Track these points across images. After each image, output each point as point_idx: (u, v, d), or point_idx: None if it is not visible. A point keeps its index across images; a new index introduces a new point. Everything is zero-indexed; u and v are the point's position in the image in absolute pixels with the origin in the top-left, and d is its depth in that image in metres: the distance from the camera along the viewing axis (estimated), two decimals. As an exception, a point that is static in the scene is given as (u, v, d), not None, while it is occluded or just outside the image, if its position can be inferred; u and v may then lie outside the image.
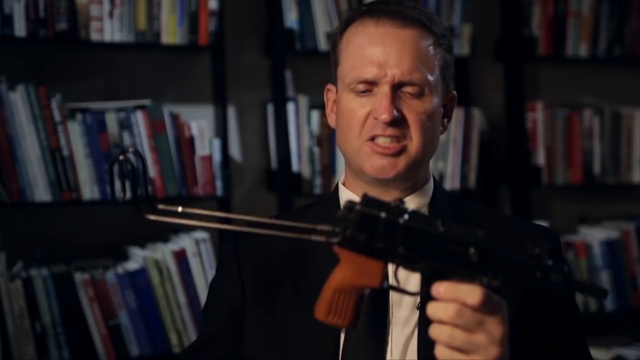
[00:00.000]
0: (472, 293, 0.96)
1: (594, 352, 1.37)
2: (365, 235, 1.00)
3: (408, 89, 1.28)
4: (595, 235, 3.03)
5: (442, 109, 1.34)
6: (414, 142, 1.28)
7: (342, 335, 1.26)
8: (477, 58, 2.97)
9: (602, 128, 3.09)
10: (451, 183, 2.81)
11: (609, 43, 3.08)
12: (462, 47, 2.87)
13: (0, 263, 2.32)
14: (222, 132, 2.61)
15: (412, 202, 1.34)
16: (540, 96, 3.10)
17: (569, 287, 0.99)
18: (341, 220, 1.02)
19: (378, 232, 1.00)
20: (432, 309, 0.98)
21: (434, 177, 1.40)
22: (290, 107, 2.68)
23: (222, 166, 2.56)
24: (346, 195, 1.37)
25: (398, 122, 1.27)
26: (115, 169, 1.12)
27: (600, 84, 3.23)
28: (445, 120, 1.37)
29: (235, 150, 2.77)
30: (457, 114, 2.84)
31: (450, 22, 2.85)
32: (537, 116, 2.99)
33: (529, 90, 3.07)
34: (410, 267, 1.02)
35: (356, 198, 1.34)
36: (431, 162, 2.91)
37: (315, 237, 1.05)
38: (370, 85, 1.28)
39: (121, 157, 1.07)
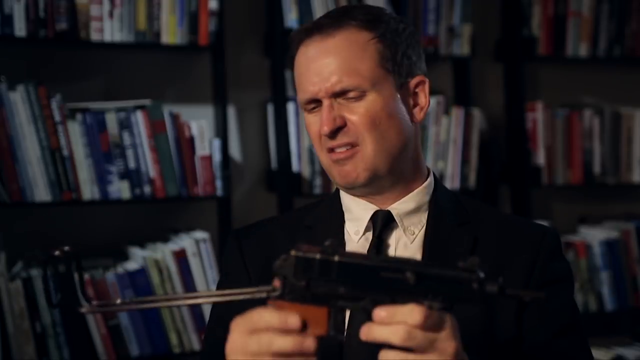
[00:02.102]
0: (411, 313, 0.95)
1: (594, 352, 1.36)
2: (304, 280, 1.00)
3: (348, 95, 1.29)
4: (595, 235, 3.03)
5: (405, 99, 1.32)
6: (367, 144, 1.28)
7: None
8: (477, 58, 2.97)
9: (602, 128, 3.09)
10: (451, 183, 2.81)
11: (609, 43, 3.08)
12: (462, 47, 2.87)
13: (0, 263, 2.32)
14: (222, 132, 2.61)
15: (412, 202, 1.33)
16: (540, 96, 3.10)
17: (504, 296, 0.98)
18: (278, 269, 1.01)
19: (315, 274, 1.00)
20: (381, 333, 0.96)
21: (435, 175, 1.39)
22: (290, 107, 2.68)
23: (222, 166, 2.56)
24: (346, 196, 1.37)
25: (342, 130, 1.29)
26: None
27: (600, 84, 3.23)
28: (417, 108, 1.35)
29: (235, 150, 2.77)
30: (457, 114, 2.84)
31: (450, 22, 2.85)
32: (537, 116, 2.99)
33: (529, 90, 3.07)
34: (354, 306, 1.00)
35: (356, 199, 1.35)
36: (431, 162, 2.92)
37: (257, 295, 1.04)
38: (315, 102, 1.31)
39: (56, 253, 1.07)
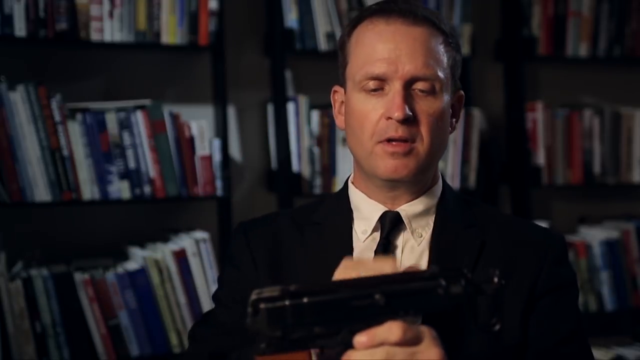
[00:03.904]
0: (390, 331, 0.95)
1: (593, 352, 1.36)
2: (279, 330, 0.98)
3: (420, 86, 1.26)
4: (595, 235, 3.03)
5: (450, 109, 1.34)
6: (424, 143, 1.27)
7: None
8: (477, 58, 2.97)
9: (602, 128, 3.09)
10: (451, 183, 2.81)
11: (609, 43, 3.08)
12: (462, 47, 2.86)
13: (0, 263, 2.32)
14: (222, 132, 2.61)
15: (420, 204, 1.33)
16: (540, 96, 3.10)
17: (470, 292, 0.99)
18: (252, 326, 0.98)
19: (289, 321, 0.98)
20: (361, 358, 0.96)
21: (443, 178, 1.39)
22: (290, 107, 2.68)
23: (222, 166, 2.56)
24: (356, 194, 1.37)
25: (410, 122, 1.26)
26: None
27: (600, 84, 3.23)
28: (454, 120, 1.36)
29: (235, 150, 2.77)
30: (457, 114, 2.84)
31: (450, 22, 2.85)
32: (537, 116, 2.99)
33: (529, 90, 3.07)
34: (333, 342, 0.99)
35: (366, 198, 1.35)
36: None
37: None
38: (381, 82, 1.27)
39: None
